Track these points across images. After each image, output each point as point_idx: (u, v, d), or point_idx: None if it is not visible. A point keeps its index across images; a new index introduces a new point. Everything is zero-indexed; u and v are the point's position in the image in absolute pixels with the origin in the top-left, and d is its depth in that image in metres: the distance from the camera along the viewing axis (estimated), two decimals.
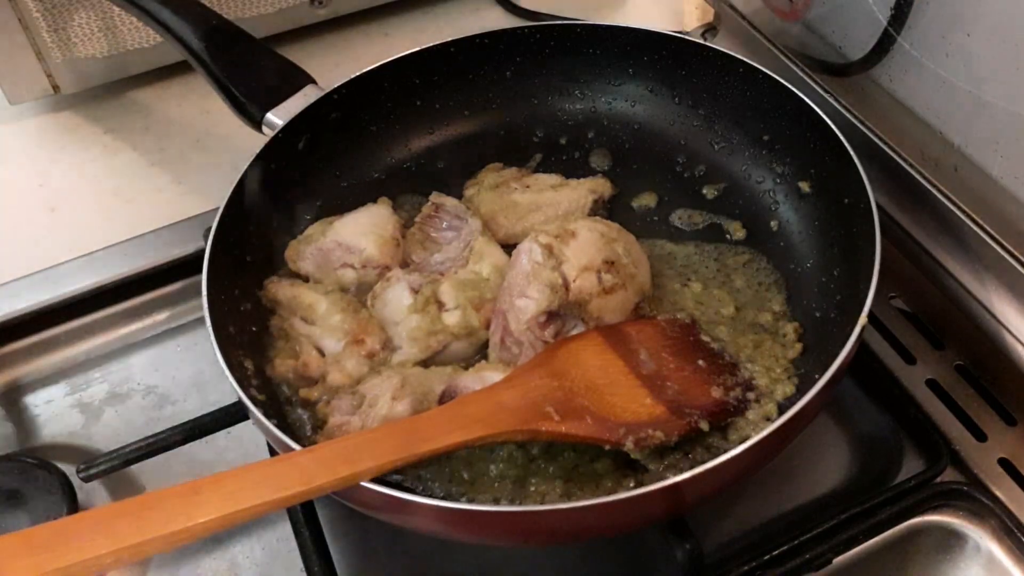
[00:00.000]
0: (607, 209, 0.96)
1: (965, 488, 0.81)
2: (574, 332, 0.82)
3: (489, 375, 0.79)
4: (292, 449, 0.70)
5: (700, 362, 0.80)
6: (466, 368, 0.82)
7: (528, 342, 0.80)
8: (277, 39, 1.22)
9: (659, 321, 0.84)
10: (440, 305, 0.84)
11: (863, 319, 0.74)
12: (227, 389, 0.74)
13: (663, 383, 0.76)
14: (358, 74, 0.97)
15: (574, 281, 0.80)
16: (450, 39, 0.99)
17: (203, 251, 0.82)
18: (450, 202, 0.94)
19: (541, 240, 0.82)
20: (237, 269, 0.86)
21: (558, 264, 0.81)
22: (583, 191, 0.95)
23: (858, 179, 0.83)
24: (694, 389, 0.77)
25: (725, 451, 0.67)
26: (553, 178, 0.98)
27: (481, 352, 0.84)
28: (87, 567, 0.56)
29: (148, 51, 1.18)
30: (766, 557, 0.76)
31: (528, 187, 0.96)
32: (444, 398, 0.78)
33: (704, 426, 0.75)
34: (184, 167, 1.17)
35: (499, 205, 0.94)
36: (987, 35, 0.80)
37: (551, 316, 0.80)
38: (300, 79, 0.97)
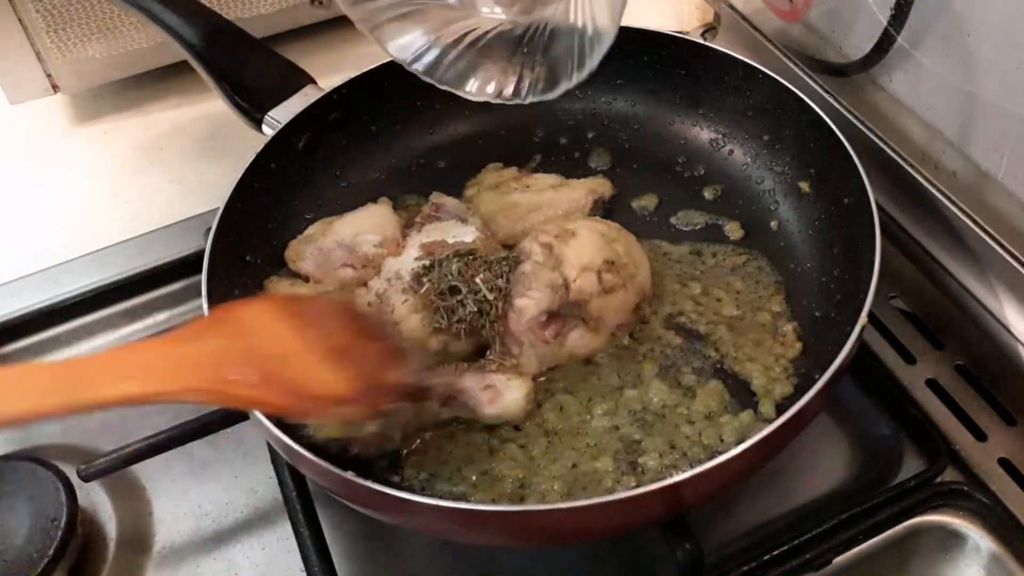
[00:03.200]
0: (606, 209, 0.96)
1: (965, 488, 0.81)
2: (574, 332, 0.82)
3: (492, 376, 0.79)
4: (293, 450, 0.70)
5: (376, 344, 0.74)
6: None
7: (528, 342, 0.80)
8: (277, 39, 1.22)
9: (332, 300, 0.81)
10: None
11: (863, 319, 0.74)
12: None
13: (347, 361, 0.70)
14: (358, 74, 0.97)
15: (574, 281, 0.80)
16: None
17: (203, 251, 0.82)
18: (450, 202, 0.93)
19: (541, 240, 0.82)
20: (237, 269, 0.86)
21: (558, 264, 0.81)
22: (583, 191, 0.95)
23: (858, 179, 0.83)
24: (376, 370, 0.72)
25: (725, 451, 0.67)
26: (553, 178, 0.98)
27: (481, 352, 0.84)
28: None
29: (148, 51, 1.18)
30: (766, 557, 0.76)
31: (528, 187, 0.96)
32: (444, 398, 0.78)
33: (389, 408, 0.71)
34: (184, 167, 1.17)
35: (499, 205, 0.94)
36: (987, 35, 0.80)
37: (551, 316, 0.80)
38: (300, 79, 0.97)
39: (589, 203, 0.95)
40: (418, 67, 0.81)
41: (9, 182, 1.18)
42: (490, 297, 0.79)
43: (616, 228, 0.87)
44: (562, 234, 0.83)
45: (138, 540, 0.84)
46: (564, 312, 0.81)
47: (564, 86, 0.76)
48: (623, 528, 0.75)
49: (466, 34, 0.81)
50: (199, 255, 0.83)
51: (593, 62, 0.73)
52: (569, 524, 0.69)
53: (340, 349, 0.69)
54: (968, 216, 0.86)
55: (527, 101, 0.78)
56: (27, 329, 0.99)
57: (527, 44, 0.79)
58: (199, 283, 0.80)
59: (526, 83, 0.79)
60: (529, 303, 0.80)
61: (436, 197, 0.94)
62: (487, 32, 0.81)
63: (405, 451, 0.78)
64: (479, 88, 0.80)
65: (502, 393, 0.78)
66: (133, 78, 1.22)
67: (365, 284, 0.87)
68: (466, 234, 0.87)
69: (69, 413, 0.63)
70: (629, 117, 1.03)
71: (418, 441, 0.78)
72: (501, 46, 0.80)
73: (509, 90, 0.79)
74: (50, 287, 1.00)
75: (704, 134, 1.01)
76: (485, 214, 0.93)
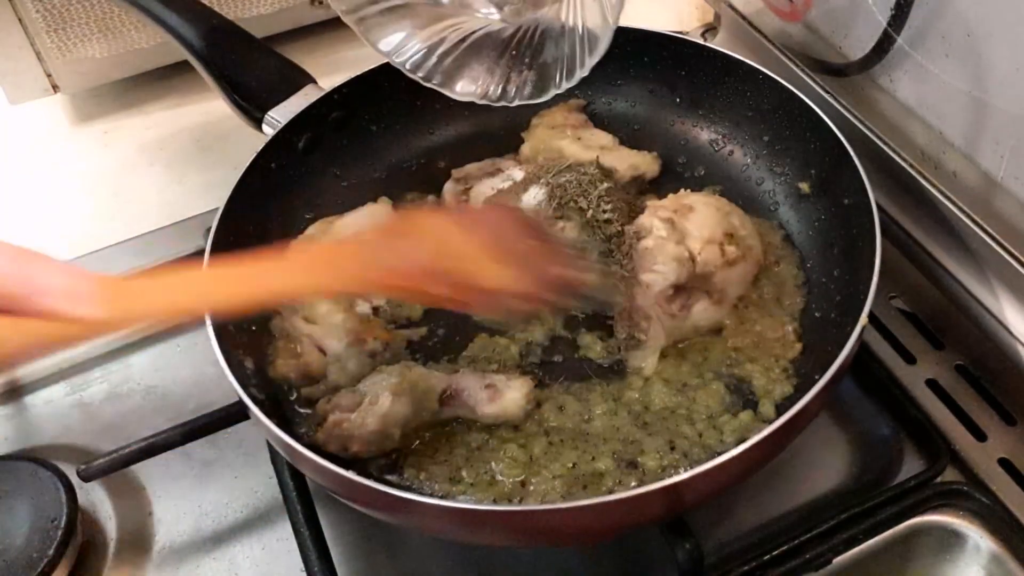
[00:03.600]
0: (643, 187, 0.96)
1: (965, 488, 0.81)
2: (699, 304, 0.82)
3: (492, 376, 0.79)
4: (293, 449, 0.70)
5: (540, 244, 0.77)
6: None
7: (656, 316, 0.80)
8: (277, 39, 1.22)
9: (498, 206, 0.86)
10: None
11: (863, 319, 0.74)
12: (227, 389, 0.74)
13: (513, 259, 0.74)
14: (358, 74, 0.97)
15: (699, 254, 0.81)
16: None
17: (203, 251, 0.82)
18: (471, 167, 0.95)
19: (660, 215, 0.82)
20: None
21: (682, 238, 0.81)
22: (625, 164, 0.95)
23: (858, 179, 0.83)
24: (547, 267, 0.76)
25: (725, 451, 0.67)
26: (607, 139, 0.98)
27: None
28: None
29: (148, 51, 1.18)
30: (766, 557, 0.76)
31: (579, 139, 0.97)
32: (444, 397, 0.78)
33: (559, 300, 0.76)
34: (184, 167, 1.17)
35: (545, 145, 0.96)
36: (987, 35, 0.80)
37: (677, 290, 0.81)
38: (300, 79, 0.97)
39: (627, 177, 0.95)
40: (405, 63, 0.81)
41: (9, 182, 1.18)
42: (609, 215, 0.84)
43: (727, 202, 0.87)
44: (680, 208, 0.83)
45: (138, 540, 0.84)
46: (690, 285, 0.81)
47: (553, 91, 0.76)
48: (623, 528, 0.75)
49: (455, 32, 0.81)
50: (199, 255, 0.83)
51: (584, 70, 0.74)
52: (569, 524, 0.69)
53: (507, 248, 0.73)
54: (968, 216, 0.86)
55: (514, 103, 0.78)
56: None
57: (517, 46, 0.79)
58: None
59: (514, 85, 0.79)
60: (656, 277, 0.80)
61: (457, 172, 0.96)
62: (476, 31, 0.81)
63: (405, 451, 0.78)
64: (465, 88, 0.80)
65: (502, 392, 0.78)
66: (133, 78, 1.22)
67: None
68: (513, 174, 0.90)
69: (269, 303, 0.73)
70: (629, 117, 1.03)
71: (418, 441, 0.78)
72: (490, 46, 0.80)
73: (496, 91, 0.79)
74: None
75: (704, 135, 1.01)
76: (529, 147, 0.96)
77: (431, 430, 0.79)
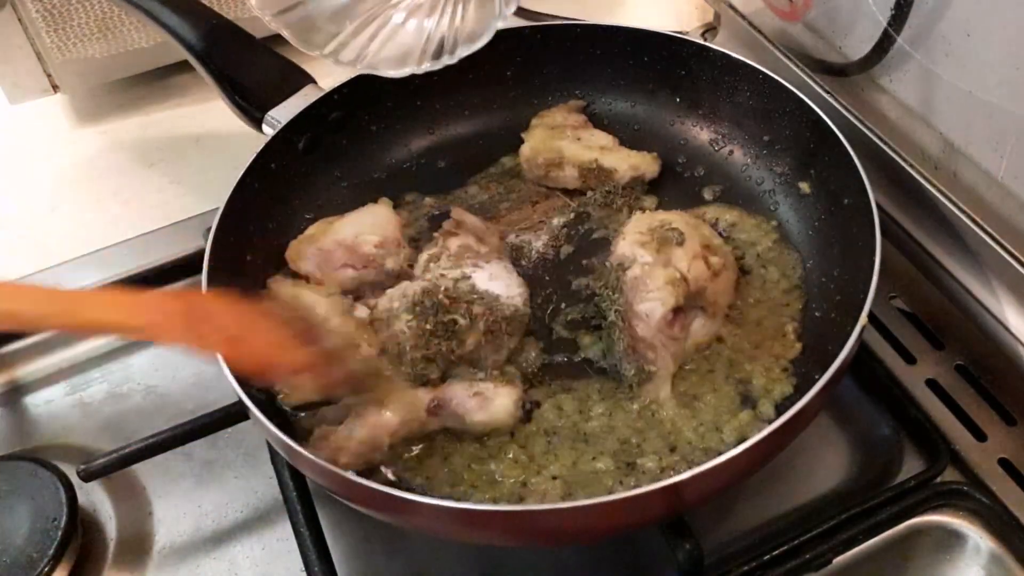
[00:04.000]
0: (644, 188, 0.97)
1: (965, 488, 0.81)
2: (696, 321, 0.82)
3: (480, 384, 0.79)
4: (293, 449, 0.70)
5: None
6: None
7: (661, 343, 0.79)
8: (277, 39, 1.21)
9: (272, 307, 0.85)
10: None
11: (863, 319, 0.74)
12: (227, 389, 0.74)
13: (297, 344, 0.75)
14: (358, 74, 0.97)
15: (688, 272, 0.80)
16: None
17: (203, 251, 0.82)
18: (470, 220, 0.90)
19: (640, 241, 0.81)
20: (237, 269, 0.86)
21: (668, 259, 0.80)
22: (625, 165, 0.96)
23: (858, 179, 0.83)
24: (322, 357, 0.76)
25: (724, 451, 0.67)
26: (607, 139, 0.99)
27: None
28: None
29: (148, 51, 1.18)
30: (766, 557, 0.76)
31: (579, 139, 0.97)
32: (432, 407, 0.77)
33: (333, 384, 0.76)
34: (184, 167, 1.17)
35: (545, 146, 0.97)
36: (987, 35, 0.80)
37: (675, 312, 0.79)
38: (300, 79, 0.97)
39: (627, 177, 0.95)
40: (342, 58, 0.80)
41: (9, 182, 1.18)
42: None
43: (690, 215, 0.87)
44: (655, 228, 0.83)
45: (138, 540, 0.84)
46: (686, 304, 0.80)
47: (494, 27, 0.75)
48: (623, 528, 0.75)
49: (379, 10, 0.80)
50: (199, 255, 0.83)
51: None
52: (569, 524, 0.69)
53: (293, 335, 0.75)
54: (968, 216, 0.86)
55: (456, 59, 0.77)
56: None
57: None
58: (199, 283, 0.80)
59: (451, 39, 0.78)
60: (655, 304, 0.78)
61: (457, 214, 0.91)
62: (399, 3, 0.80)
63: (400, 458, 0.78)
64: (402, 63, 0.79)
65: (491, 399, 0.77)
66: (133, 78, 1.22)
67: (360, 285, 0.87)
68: (498, 286, 0.84)
69: (60, 329, 0.75)
70: (629, 117, 1.03)
71: (406, 455, 0.77)
72: (417, 13, 0.79)
73: (433, 53, 0.78)
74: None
75: (704, 134, 1.01)
76: (529, 148, 0.97)
77: (419, 443, 0.78)
